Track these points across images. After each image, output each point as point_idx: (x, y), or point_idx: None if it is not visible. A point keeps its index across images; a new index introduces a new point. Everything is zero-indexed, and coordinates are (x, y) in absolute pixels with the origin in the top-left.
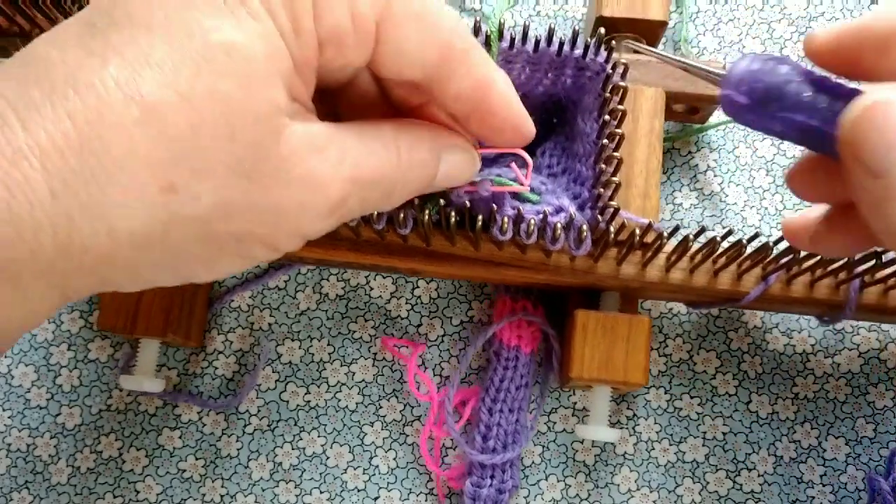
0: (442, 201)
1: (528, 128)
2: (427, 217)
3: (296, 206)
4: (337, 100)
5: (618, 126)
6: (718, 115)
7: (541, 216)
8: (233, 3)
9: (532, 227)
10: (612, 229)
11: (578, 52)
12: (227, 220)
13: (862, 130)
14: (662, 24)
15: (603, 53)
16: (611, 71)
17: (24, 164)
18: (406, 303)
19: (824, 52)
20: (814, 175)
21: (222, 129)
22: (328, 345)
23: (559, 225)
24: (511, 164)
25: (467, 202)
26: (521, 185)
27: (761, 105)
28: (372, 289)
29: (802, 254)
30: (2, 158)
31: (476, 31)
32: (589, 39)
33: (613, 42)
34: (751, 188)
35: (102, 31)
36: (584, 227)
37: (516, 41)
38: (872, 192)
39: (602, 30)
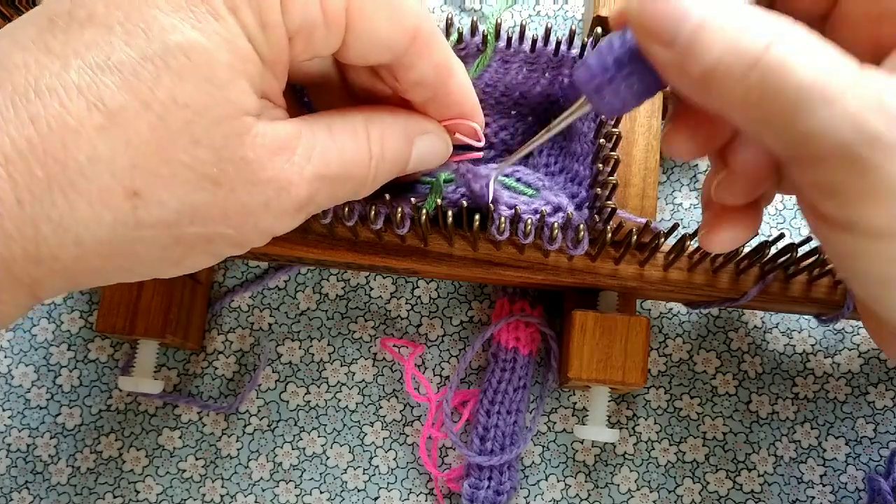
0: (439, 200)
1: (480, 118)
2: (424, 217)
3: (261, 206)
4: (305, 89)
5: (615, 126)
6: None
7: (538, 216)
8: (193, 0)
9: (529, 227)
10: (609, 229)
11: (575, 51)
12: (194, 223)
13: (645, 5)
14: None
15: None
16: None
17: None
18: (406, 303)
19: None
20: (688, 130)
21: (185, 134)
22: (328, 345)
23: (556, 225)
24: (455, 135)
25: (464, 202)
26: (477, 149)
27: (609, 78)
28: (372, 289)
29: (800, 253)
30: None
31: (473, 30)
32: (586, 39)
33: None
34: None
35: (63, 30)
36: (582, 226)
37: (513, 41)
38: (670, 63)
39: (599, 29)
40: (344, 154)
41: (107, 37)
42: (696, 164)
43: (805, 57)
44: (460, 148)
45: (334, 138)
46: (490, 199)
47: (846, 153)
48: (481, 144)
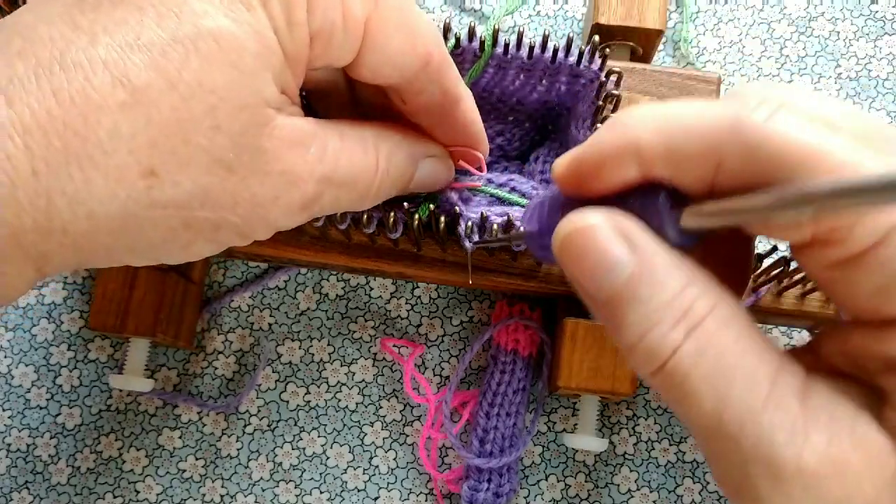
0: (432, 206)
1: (484, 147)
2: (417, 222)
3: (270, 198)
4: (311, 97)
5: None
6: None
7: None
8: None
9: None
10: None
11: (573, 59)
12: (204, 206)
13: (564, 258)
14: (659, 33)
15: (597, 61)
16: (604, 79)
17: (6, 142)
18: (406, 303)
19: (564, 179)
20: None
21: (207, 118)
22: (328, 345)
23: None
24: (461, 163)
25: (457, 208)
26: (478, 175)
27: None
28: (372, 289)
29: (793, 266)
30: None
31: (471, 35)
32: (584, 47)
33: (608, 50)
34: None
35: (93, 7)
36: None
37: (511, 47)
38: (593, 310)
39: (596, 38)
40: (353, 161)
41: (138, 16)
42: None
43: (707, 381)
44: (460, 172)
45: (346, 145)
46: (466, 241)
47: (734, 492)
48: (483, 174)
